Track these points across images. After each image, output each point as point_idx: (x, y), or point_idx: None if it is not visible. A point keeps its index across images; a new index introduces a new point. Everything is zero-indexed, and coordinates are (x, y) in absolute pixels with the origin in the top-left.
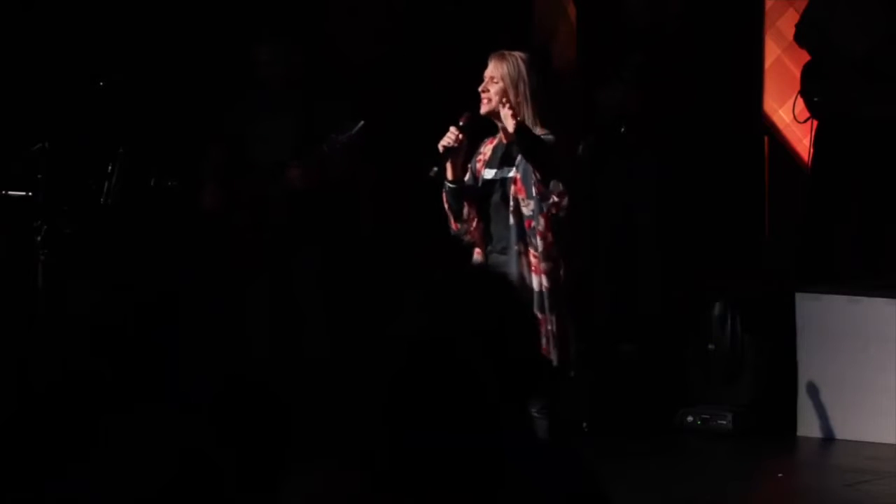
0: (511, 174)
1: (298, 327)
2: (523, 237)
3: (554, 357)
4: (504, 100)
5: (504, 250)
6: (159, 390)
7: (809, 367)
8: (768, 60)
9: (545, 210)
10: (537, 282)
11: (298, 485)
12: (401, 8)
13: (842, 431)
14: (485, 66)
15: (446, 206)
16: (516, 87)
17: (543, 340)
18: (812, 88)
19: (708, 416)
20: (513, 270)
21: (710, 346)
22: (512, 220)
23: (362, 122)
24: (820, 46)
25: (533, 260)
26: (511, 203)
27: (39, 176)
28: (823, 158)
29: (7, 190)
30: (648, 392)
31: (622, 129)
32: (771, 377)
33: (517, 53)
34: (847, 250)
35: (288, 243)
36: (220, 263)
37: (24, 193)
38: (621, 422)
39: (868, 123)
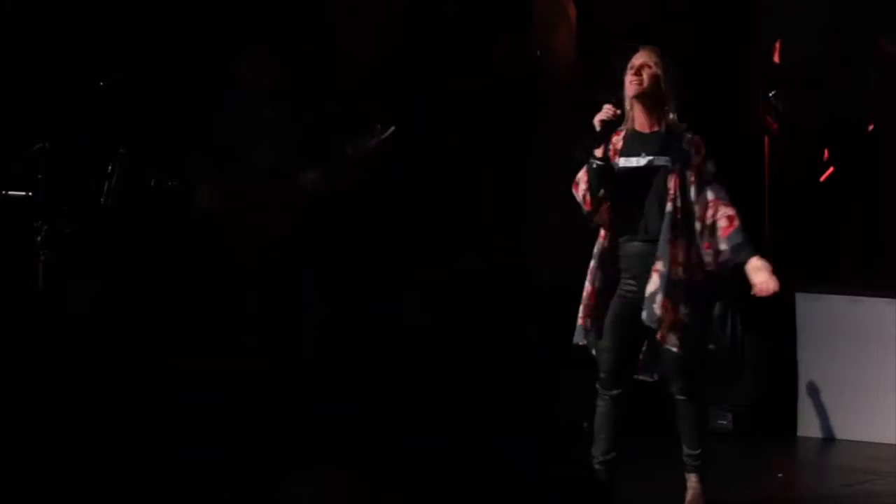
0: (665, 164)
1: (295, 330)
2: (676, 226)
3: (673, 343)
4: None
5: (649, 238)
6: (160, 390)
7: (809, 367)
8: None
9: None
10: (674, 270)
11: (299, 485)
12: (401, 8)
13: (842, 431)
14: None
15: (584, 185)
16: (666, 77)
17: (665, 327)
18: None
19: (708, 416)
20: (659, 258)
21: (710, 346)
22: (669, 208)
23: (393, 128)
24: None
25: (677, 248)
26: (669, 192)
27: (39, 176)
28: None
29: (7, 190)
30: (649, 392)
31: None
32: (771, 377)
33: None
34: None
35: (291, 251)
36: (218, 264)
37: (24, 193)
38: (621, 422)
39: (834, 119)
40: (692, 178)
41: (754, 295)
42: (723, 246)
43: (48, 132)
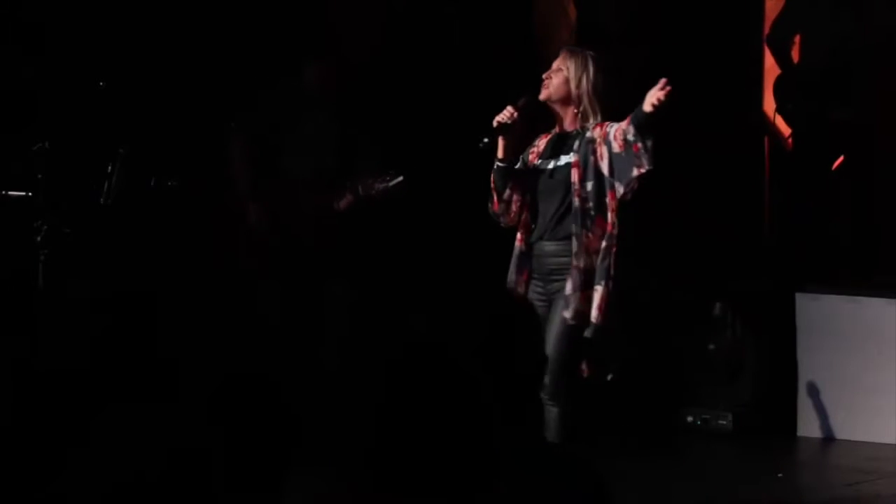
0: (569, 160)
1: (316, 340)
2: (584, 220)
3: (596, 318)
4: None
5: (559, 236)
6: (158, 388)
7: (809, 367)
8: (768, 61)
9: (623, 191)
10: (591, 261)
11: (300, 485)
12: (401, 8)
13: (842, 431)
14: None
15: (492, 184)
16: (579, 80)
17: (595, 310)
18: (785, 97)
19: (708, 416)
20: (572, 254)
21: (711, 346)
22: (576, 204)
23: (402, 178)
24: (784, 57)
25: (589, 239)
26: (574, 187)
27: (39, 176)
28: (803, 160)
29: (7, 190)
30: (648, 392)
31: None
32: (771, 377)
33: (587, 51)
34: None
35: (320, 262)
36: (230, 263)
37: (24, 193)
38: (621, 422)
39: (840, 125)
40: (600, 153)
41: (653, 106)
42: (630, 134)
43: (48, 132)
